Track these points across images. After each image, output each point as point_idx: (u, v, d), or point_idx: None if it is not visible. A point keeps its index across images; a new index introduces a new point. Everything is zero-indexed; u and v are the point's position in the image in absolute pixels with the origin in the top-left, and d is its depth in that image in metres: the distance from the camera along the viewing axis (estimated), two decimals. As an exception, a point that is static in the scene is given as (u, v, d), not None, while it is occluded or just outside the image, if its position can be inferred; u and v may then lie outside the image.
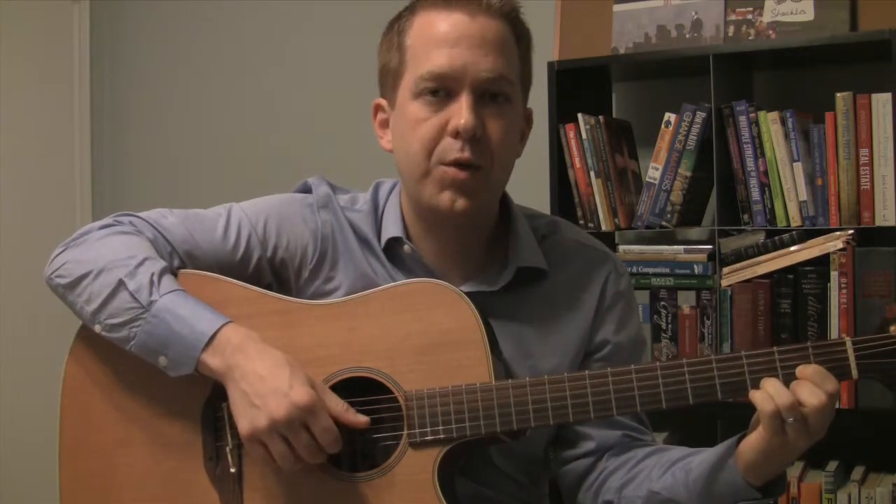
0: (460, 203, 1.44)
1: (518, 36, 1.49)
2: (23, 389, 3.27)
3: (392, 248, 1.53)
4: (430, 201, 1.46)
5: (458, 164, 1.43)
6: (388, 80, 1.51)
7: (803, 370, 1.28)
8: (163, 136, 3.58)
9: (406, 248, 1.51)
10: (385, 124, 1.55)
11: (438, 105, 1.44)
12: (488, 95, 1.44)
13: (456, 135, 1.42)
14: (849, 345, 1.30)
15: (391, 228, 1.52)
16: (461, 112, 1.42)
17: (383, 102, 1.54)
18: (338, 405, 1.37)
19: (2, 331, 3.33)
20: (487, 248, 1.55)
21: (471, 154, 1.42)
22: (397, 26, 1.50)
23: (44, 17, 3.48)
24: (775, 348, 1.32)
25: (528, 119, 1.56)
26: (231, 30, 3.46)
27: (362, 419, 1.38)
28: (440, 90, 1.43)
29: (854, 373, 1.29)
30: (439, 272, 1.50)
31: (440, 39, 1.43)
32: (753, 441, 1.32)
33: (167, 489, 1.46)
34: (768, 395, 1.27)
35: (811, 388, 1.26)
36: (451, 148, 1.43)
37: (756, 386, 1.29)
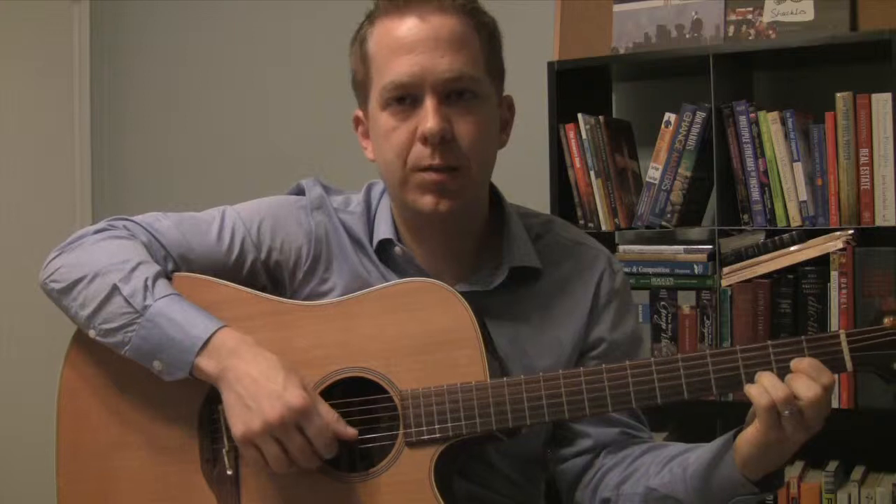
0: (444, 205, 1.44)
1: (478, 27, 1.47)
2: (20, 392, 3.27)
3: (384, 250, 1.53)
4: (415, 205, 1.46)
5: (432, 169, 1.42)
6: (360, 91, 1.52)
7: (798, 363, 1.28)
8: (163, 136, 3.58)
9: (397, 249, 1.51)
10: (367, 135, 1.54)
11: (406, 112, 1.43)
12: (454, 94, 1.43)
13: (424, 140, 1.41)
14: (843, 337, 1.30)
15: (382, 230, 1.52)
16: (427, 117, 1.41)
17: (360, 114, 1.55)
18: (329, 415, 1.36)
19: (1, 332, 3.33)
20: (480, 249, 1.55)
21: (441, 159, 1.42)
22: (359, 36, 1.50)
23: (43, 17, 3.48)
24: (769, 342, 1.31)
25: (509, 107, 1.55)
26: (231, 30, 3.47)
27: (351, 431, 1.37)
28: (406, 97, 1.43)
29: (848, 365, 1.29)
30: (432, 273, 1.50)
31: (397, 47, 1.43)
32: (750, 435, 1.31)
33: (164, 492, 1.46)
34: (763, 388, 1.27)
35: (806, 381, 1.26)
36: (423, 155, 1.42)
37: (751, 380, 1.29)
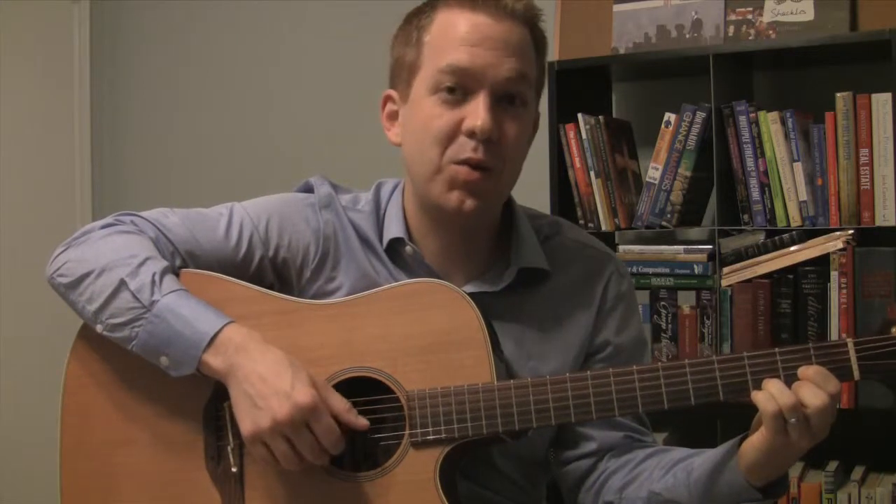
0: (469, 203, 1.44)
1: (536, 42, 1.49)
2: (23, 389, 3.27)
3: (394, 249, 1.53)
4: (438, 200, 1.45)
5: (469, 164, 1.42)
6: (403, 73, 1.50)
7: (805, 371, 1.28)
8: (163, 136, 3.58)
9: (408, 248, 1.51)
10: (393, 116, 1.53)
11: (454, 103, 1.43)
12: (505, 98, 1.44)
13: (471, 135, 1.41)
14: (850, 346, 1.30)
15: (393, 229, 1.52)
16: (478, 112, 1.41)
17: (394, 94, 1.53)
18: (340, 404, 1.36)
19: (2, 331, 3.33)
20: (490, 249, 1.55)
21: (484, 155, 1.42)
22: (416, 21, 1.49)
23: (44, 17, 3.48)
24: (777, 349, 1.32)
25: (535, 123, 1.55)
26: (231, 30, 3.46)
27: (363, 422, 1.37)
28: (457, 88, 1.42)
29: (856, 374, 1.30)
30: (441, 272, 1.50)
31: (462, 38, 1.42)
32: (755, 442, 1.32)
33: (168, 489, 1.46)
34: (770, 395, 1.27)
35: (813, 388, 1.26)
36: (465, 147, 1.42)
37: (758, 387, 1.30)
